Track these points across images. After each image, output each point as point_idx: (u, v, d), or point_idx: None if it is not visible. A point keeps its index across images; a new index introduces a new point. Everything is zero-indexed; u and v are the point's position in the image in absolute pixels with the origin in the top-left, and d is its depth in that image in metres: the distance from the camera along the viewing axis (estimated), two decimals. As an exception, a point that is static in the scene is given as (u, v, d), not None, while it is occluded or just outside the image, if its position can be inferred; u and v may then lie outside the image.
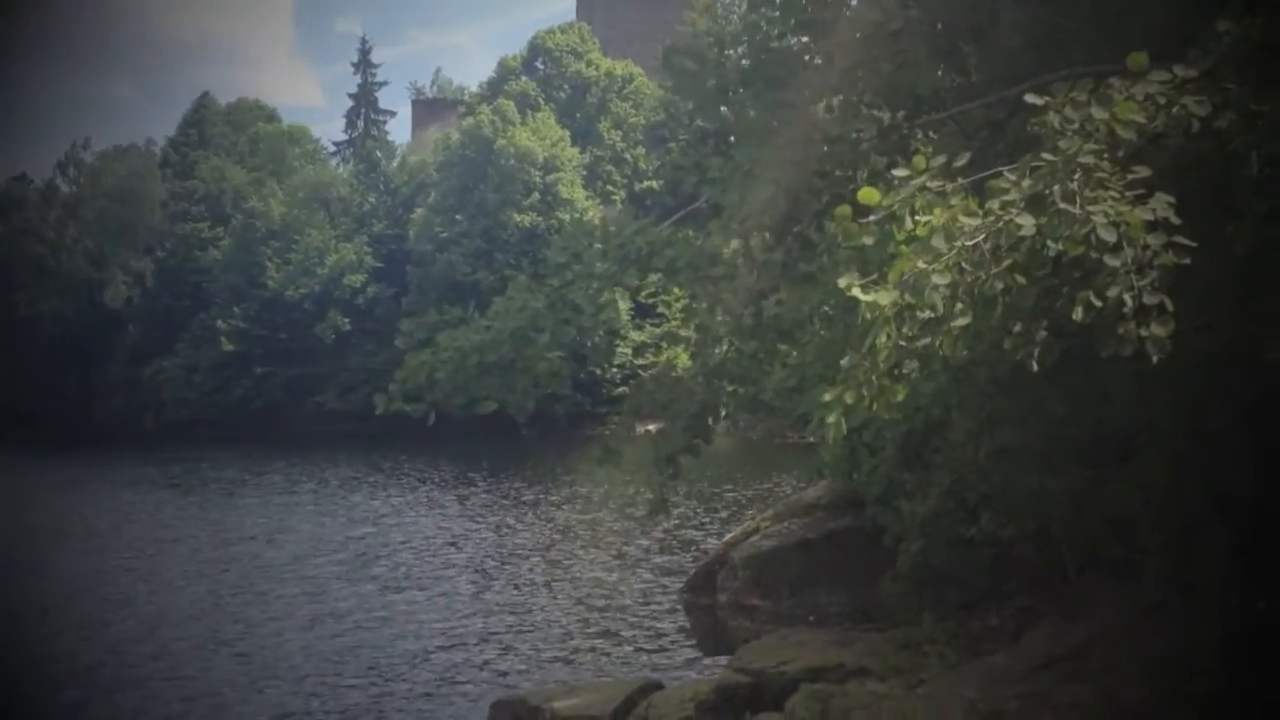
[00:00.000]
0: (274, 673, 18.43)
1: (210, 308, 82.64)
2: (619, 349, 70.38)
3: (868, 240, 5.68)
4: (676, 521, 34.13)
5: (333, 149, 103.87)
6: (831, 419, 5.66)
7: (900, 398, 5.92)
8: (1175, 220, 5.57)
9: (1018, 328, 6.06)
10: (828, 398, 5.58)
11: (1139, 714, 11.65)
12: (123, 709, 16.88)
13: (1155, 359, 5.56)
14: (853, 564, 18.58)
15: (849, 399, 5.66)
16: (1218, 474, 10.91)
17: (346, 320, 79.98)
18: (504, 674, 18.56)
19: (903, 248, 5.61)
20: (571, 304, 10.46)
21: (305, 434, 71.33)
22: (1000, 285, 5.64)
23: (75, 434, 71.93)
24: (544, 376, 10.53)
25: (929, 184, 5.81)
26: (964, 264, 5.60)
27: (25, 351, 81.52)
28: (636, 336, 70.59)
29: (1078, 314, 5.63)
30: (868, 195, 5.65)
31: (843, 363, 5.69)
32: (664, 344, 69.51)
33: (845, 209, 5.79)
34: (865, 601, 18.37)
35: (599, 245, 10.69)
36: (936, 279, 5.53)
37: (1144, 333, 5.47)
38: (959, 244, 5.56)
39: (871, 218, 5.69)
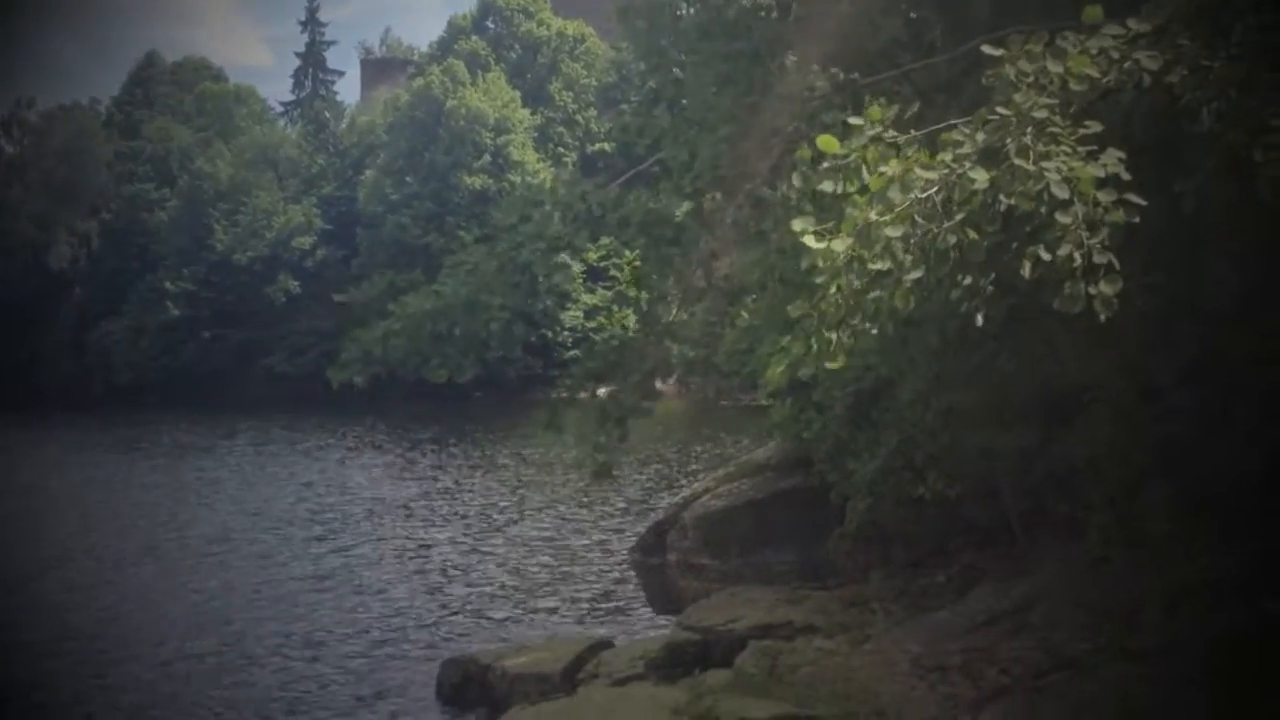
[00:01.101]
0: (219, 636, 18.37)
1: (157, 270, 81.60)
2: (570, 312, 70.25)
3: (826, 187, 5.71)
4: (627, 483, 34.24)
5: (280, 109, 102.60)
6: (780, 369, 5.70)
7: (849, 350, 5.95)
8: (1126, 177, 5.62)
9: (967, 281, 6.11)
10: (778, 346, 5.62)
11: (1081, 667, 11.84)
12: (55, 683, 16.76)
13: (1103, 317, 5.63)
14: (801, 523, 18.69)
15: (797, 349, 5.70)
16: (1161, 429, 11.08)
17: (296, 283, 79.32)
18: (454, 634, 18.60)
19: (857, 198, 5.65)
20: (522, 266, 10.43)
21: (255, 397, 70.82)
22: (952, 239, 5.68)
23: (20, 398, 70.95)
24: (495, 340, 10.52)
25: (883, 136, 5.85)
26: (917, 216, 5.64)
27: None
28: (588, 300, 70.41)
29: (1026, 270, 5.68)
30: (827, 143, 5.67)
31: (791, 310, 5.72)
32: (615, 307, 69.40)
33: (805, 152, 5.83)
34: (814, 560, 18.51)
35: (549, 206, 10.67)
36: (889, 231, 5.57)
37: (1092, 291, 5.53)
38: (912, 196, 5.60)
39: (826, 165, 5.71)
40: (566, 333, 69.44)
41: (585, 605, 20.53)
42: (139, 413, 62.51)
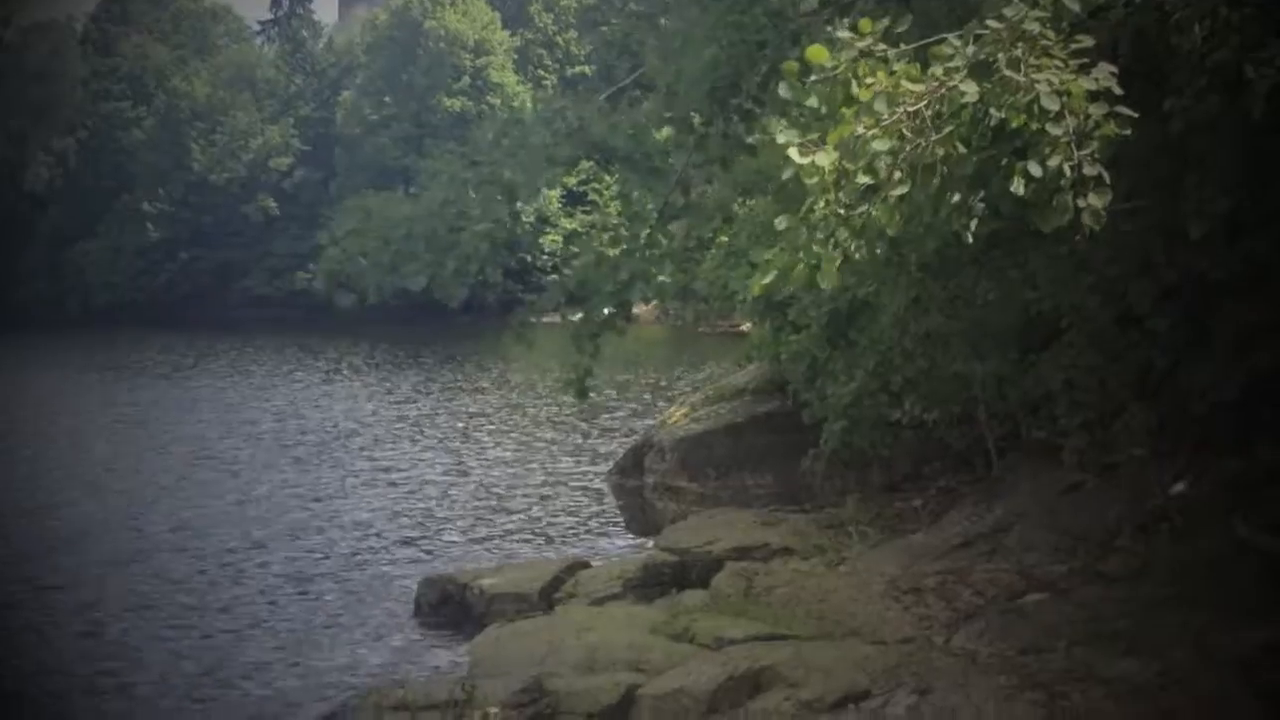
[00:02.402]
0: (196, 554, 18.39)
1: (134, 190, 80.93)
2: (549, 236, 70.04)
3: (813, 102, 5.64)
4: (605, 407, 34.31)
5: (257, 29, 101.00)
6: (767, 279, 5.66)
7: (836, 267, 5.92)
8: (1118, 91, 5.58)
9: (955, 198, 6.07)
10: (765, 258, 5.58)
11: (1055, 589, 11.98)
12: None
13: (1089, 231, 5.60)
14: (779, 447, 18.80)
15: (784, 261, 5.66)
16: (1139, 355, 11.14)
17: (274, 204, 78.78)
18: (431, 554, 18.66)
19: (844, 111, 5.58)
20: (502, 179, 10.33)
21: (233, 319, 70.60)
22: (940, 153, 5.63)
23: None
24: (473, 253, 10.42)
25: (873, 49, 5.77)
26: (905, 130, 5.58)
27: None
28: (567, 224, 70.15)
29: (1016, 185, 5.64)
30: (817, 53, 5.59)
31: (777, 223, 5.67)
32: (594, 230, 69.17)
33: (792, 65, 5.75)
34: (790, 484, 18.64)
35: (531, 121, 10.55)
36: (877, 145, 5.51)
37: (1081, 204, 5.50)
38: (901, 109, 5.54)
39: (814, 78, 5.64)
40: (546, 257, 69.27)
41: (563, 527, 20.61)
42: (116, 333, 62.16)
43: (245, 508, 21.72)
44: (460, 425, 32.11)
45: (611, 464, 23.87)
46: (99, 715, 12.22)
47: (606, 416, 32.91)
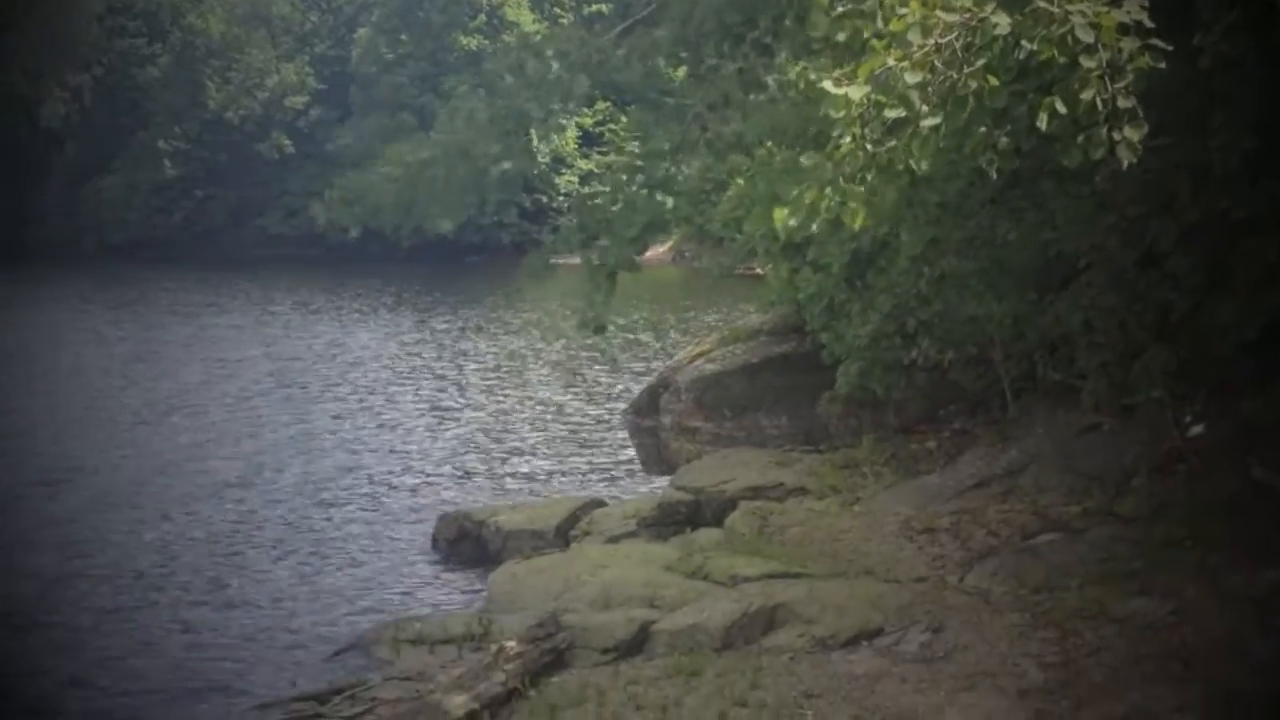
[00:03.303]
0: (216, 494, 18.51)
1: (149, 127, 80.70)
2: (565, 177, 69.80)
3: (842, 35, 5.58)
4: (621, 347, 34.32)
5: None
6: (792, 219, 5.62)
7: (865, 206, 5.87)
8: (1149, 24, 5.51)
9: (981, 130, 6.02)
10: (792, 194, 5.53)
11: (1069, 529, 12.00)
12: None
13: (1123, 164, 5.54)
14: (794, 388, 18.74)
15: (810, 198, 5.62)
16: (1159, 296, 11.08)
17: (289, 142, 78.52)
18: (448, 491, 18.77)
19: (874, 44, 5.52)
20: (519, 113, 10.24)
21: (248, 257, 70.57)
22: (972, 85, 5.57)
23: (12, 253, 70.64)
24: (492, 187, 10.37)
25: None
26: (936, 62, 5.52)
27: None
28: (583, 165, 69.86)
29: (1043, 121, 5.59)
30: (846, -14, 5.53)
31: (803, 160, 5.63)
32: (610, 170, 68.84)
33: (821, -1, 5.68)
34: (806, 425, 18.60)
35: (548, 53, 10.44)
36: (908, 77, 5.45)
37: (1116, 136, 5.44)
38: (932, 41, 5.48)
39: (844, 9, 5.58)
40: (562, 198, 68.97)
41: (578, 465, 20.69)
42: (132, 270, 62.23)
43: (260, 446, 21.83)
44: (476, 365, 32.18)
45: (627, 404, 23.90)
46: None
47: (622, 356, 32.94)
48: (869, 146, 5.41)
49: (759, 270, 29.72)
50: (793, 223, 5.81)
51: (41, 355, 33.32)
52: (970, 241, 13.26)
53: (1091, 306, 12.05)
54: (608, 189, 10.96)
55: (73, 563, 15.02)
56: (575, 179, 69.81)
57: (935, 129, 5.46)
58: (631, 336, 36.44)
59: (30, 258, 69.45)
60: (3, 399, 26.25)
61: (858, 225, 5.63)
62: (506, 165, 10.06)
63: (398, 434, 23.10)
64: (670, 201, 10.48)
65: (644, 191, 10.40)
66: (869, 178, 5.48)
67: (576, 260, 11.58)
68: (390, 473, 19.95)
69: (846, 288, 16.54)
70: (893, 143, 5.54)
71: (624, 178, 10.63)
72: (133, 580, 14.32)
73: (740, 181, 19.28)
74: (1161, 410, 12.10)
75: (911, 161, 5.44)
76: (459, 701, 9.25)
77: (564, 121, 11.10)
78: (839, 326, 16.71)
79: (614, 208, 10.58)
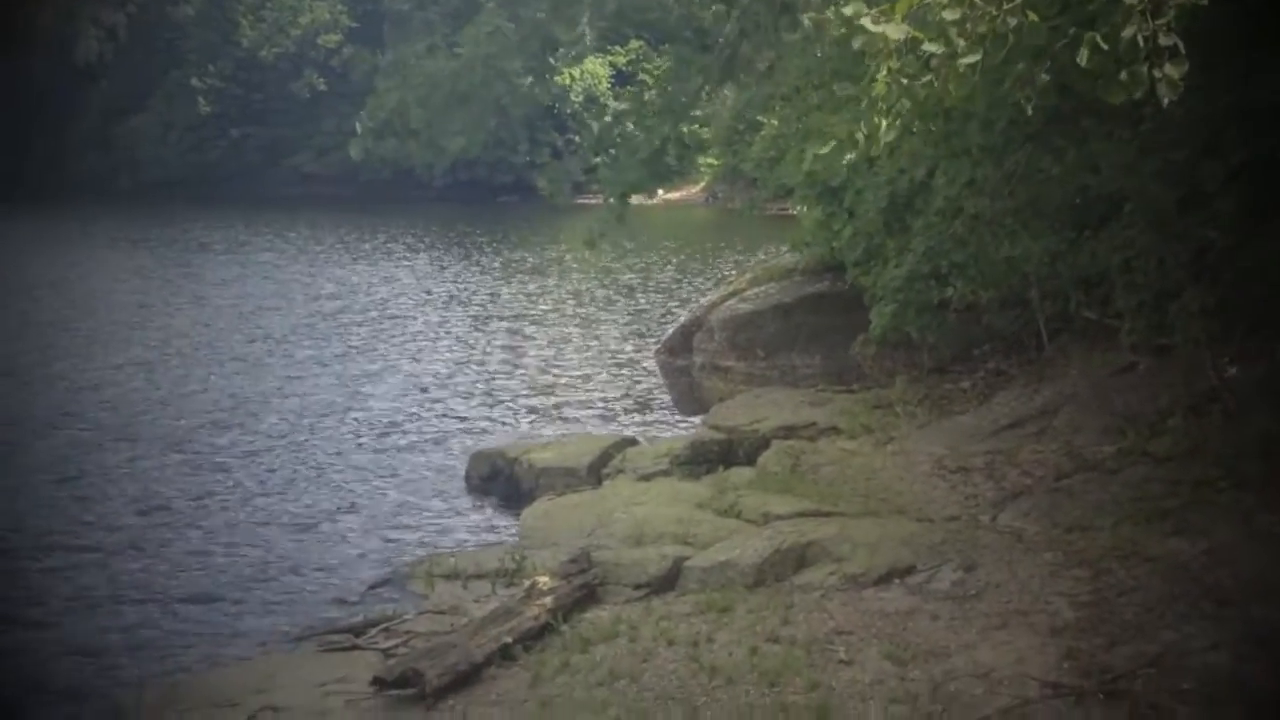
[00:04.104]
0: (253, 430, 18.64)
1: (183, 65, 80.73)
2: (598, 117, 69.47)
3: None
4: (654, 287, 34.30)
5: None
6: (824, 149, 5.58)
7: (893, 139, 5.81)
8: (1193, -41, 5.39)
9: (1020, 67, 5.93)
10: (826, 124, 5.48)
11: (1103, 469, 11.96)
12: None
13: (1165, 102, 5.45)
14: (828, 328, 18.77)
15: (842, 133, 5.57)
16: (1199, 235, 10.96)
17: (322, 81, 78.41)
18: (482, 430, 18.84)
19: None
20: (545, 33, 10.15)
21: (282, 196, 70.71)
22: (1012, 21, 5.48)
23: (49, 189, 71.06)
24: (516, 108, 10.29)
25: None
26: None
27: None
28: (615, 106, 69.43)
29: (1083, 57, 5.49)
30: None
31: (838, 90, 5.57)
32: (642, 101, 68.46)
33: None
34: (839, 364, 18.62)
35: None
36: (946, 14, 5.37)
37: (1157, 74, 5.34)
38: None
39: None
40: (595, 138, 68.69)
41: (611, 404, 20.74)
42: (168, 208, 62.43)
43: (295, 383, 21.95)
44: (509, 304, 32.21)
45: (659, 343, 23.92)
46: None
47: (655, 296, 32.91)
48: (904, 81, 5.34)
49: (792, 211, 29.66)
50: (824, 150, 5.76)
51: (87, 294, 33.53)
52: (1007, 180, 13.15)
53: (1129, 245, 11.94)
54: (635, 111, 10.92)
55: (108, 490, 15.18)
56: (608, 119, 69.40)
57: (973, 66, 5.38)
58: (664, 276, 36.40)
59: (66, 195, 69.77)
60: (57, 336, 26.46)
61: (879, 151, 5.56)
62: (529, 81, 9.99)
63: (431, 372, 23.17)
64: (689, 132, 10.42)
65: (669, 113, 10.34)
66: (903, 111, 5.41)
67: (603, 202, 11.56)
68: (424, 410, 20.04)
69: (884, 232, 16.45)
70: (929, 78, 5.47)
71: (647, 96, 10.57)
72: (162, 511, 14.46)
73: (774, 123, 19.20)
74: (1198, 350, 12.01)
75: (950, 92, 5.36)
76: (492, 634, 9.33)
77: (590, 43, 11.00)
78: (875, 270, 16.64)
79: (632, 126, 10.53)
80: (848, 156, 5.81)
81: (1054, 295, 14.76)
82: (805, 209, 20.57)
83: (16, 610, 11.52)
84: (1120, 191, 11.87)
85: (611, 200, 10.56)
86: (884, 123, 5.55)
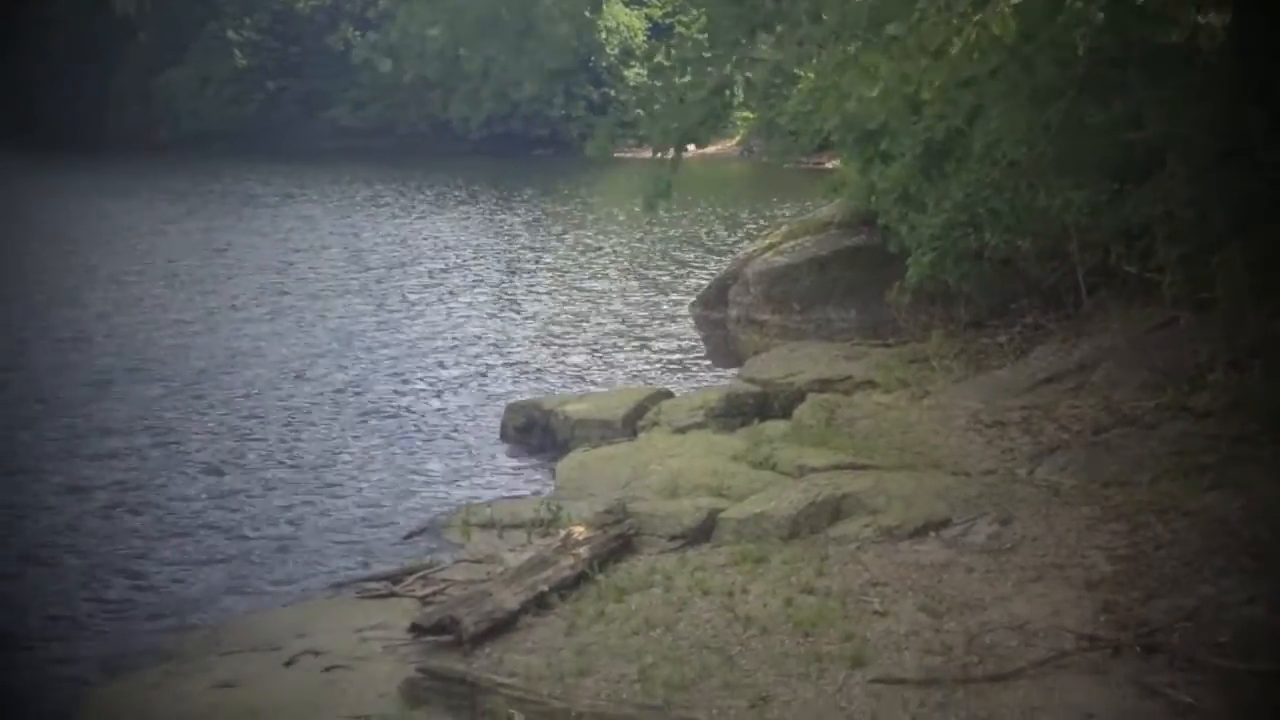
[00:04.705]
0: (293, 382, 18.75)
1: (220, 17, 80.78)
2: (633, 70, 69.12)
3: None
4: (689, 240, 34.22)
5: None
6: (874, 91, 5.52)
7: (939, 82, 5.76)
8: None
9: (1078, 4, 5.85)
10: (870, 66, 5.43)
11: (1141, 424, 11.88)
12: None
13: (1202, 51, 5.38)
14: (864, 282, 18.64)
15: (888, 71, 5.51)
16: (1243, 186, 10.82)
17: (358, 33, 78.23)
18: (517, 382, 18.90)
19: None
20: None
21: (319, 149, 70.79)
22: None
23: (90, 142, 71.39)
24: (552, 45, 10.16)
25: None
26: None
27: (36, 58, 79.76)
28: (653, 60, 69.04)
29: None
30: None
31: (888, 30, 5.51)
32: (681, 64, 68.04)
33: None
34: (874, 319, 18.51)
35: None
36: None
37: (1201, 20, 5.28)
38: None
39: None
40: (630, 90, 68.41)
41: (646, 357, 20.75)
42: (208, 161, 62.59)
43: (336, 337, 22.05)
44: (545, 258, 32.21)
45: (694, 297, 23.88)
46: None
47: (690, 249, 32.84)
48: (954, 21, 5.28)
49: (828, 165, 29.48)
50: (873, 94, 5.71)
51: (133, 245, 33.72)
52: (1045, 130, 13.01)
53: (1172, 197, 11.81)
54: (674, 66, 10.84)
55: (156, 442, 15.33)
56: (644, 71, 69.07)
57: (1024, 3, 5.32)
58: (699, 230, 36.29)
59: (106, 147, 70.05)
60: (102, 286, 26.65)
61: (933, 89, 5.51)
62: (564, 29, 9.91)
63: (468, 324, 23.24)
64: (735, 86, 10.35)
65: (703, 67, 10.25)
66: (952, 50, 5.36)
67: (644, 154, 11.49)
68: (460, 362, 20.11)
69: (921, 178, 16.29)
70: (979, 17, 5.41)
71: (691, 44, 10.48)
72: (200, 465, 14.59)
73: (811, 75, 19.02)
74: (1240, 304, 11.89)
75: (997, 34, 5.30)
76: (528, 583, 9.39)
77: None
78: (912, 217, 16.50)
79: (679, 79, 10.47)
80: (891, 100, 5.76)
81: (1094, 248, 14.60)
82: (842, 159, 20.47)
83: (62, 552, 11.68)
84: (1164, 142, 11.73)
85: (660, 156, 10.48)
86: (933, 64, 5.49)
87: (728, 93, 9.88)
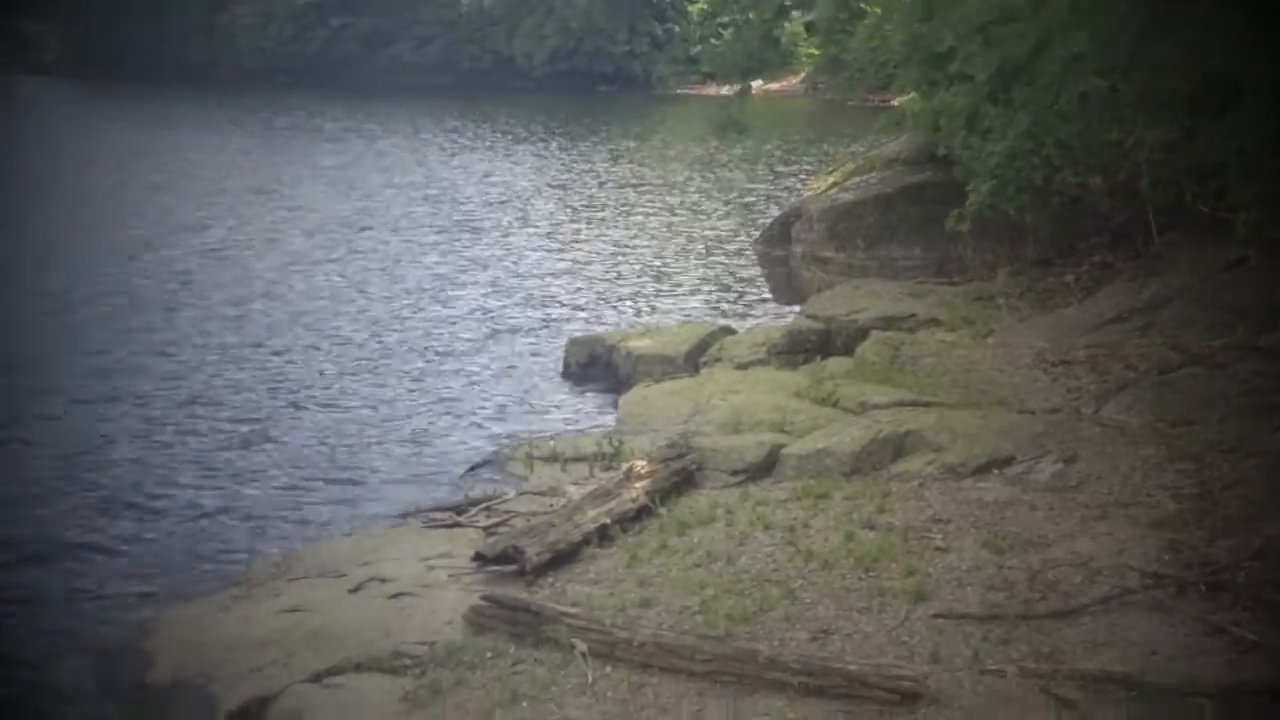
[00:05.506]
0: (350, 318, 18.88)
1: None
2: (697, 5, 68.60)
3: None
4: (752, 177, 34.05)
5: None
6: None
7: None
8: None
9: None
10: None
11: (1210, 363, 11.74)
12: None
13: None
14: (929, 219, 18.42)
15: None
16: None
17: (422, -32, 78.07)
18: (580, 317, 18.96)
19: None
20: None
21: (382, 86, 70.81)
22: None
23: (154, 76, 71.87)
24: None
25: None
26: None
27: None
28: (716, -7, 68.42)
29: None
30: None
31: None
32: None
33: None
34: (940, 257, 18.34)
35: None
36: None
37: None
38: None
39: None
40: (694, 26, 67.95)
41: (709, 293, 20.74)
42: (275, 97, 62.77)
43: (400, 268, 22.20)
44: (609, 194, 32.17)
45: (758, 233, 23.78)
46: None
47: (755, 186, 32.67)
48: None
49: (893, 101, 29.13)
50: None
51: (212, 179, 33.98)
52: (1114, 68, 12.80)
53: (1247, 133, 11.57)
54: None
55: (215, 377, 15.54)
56: (706, 5, 68.50)
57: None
58: (762, 166, 36.07)
59: (170, 81, 70.46)
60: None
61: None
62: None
63: (531, 259, 23.31)
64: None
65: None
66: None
67: (708, 90, 11.41)
68: (522, 298, 20.19)
69: (989, 102, 15.98)
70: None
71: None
72: (279, 395, 14.78)
73: (877, 10, 18.77)
74: (1314, 243, 11.70)
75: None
76: (591, 515, 9.47)
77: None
78: (976, 143, 16.22)
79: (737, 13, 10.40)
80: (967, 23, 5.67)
81: (1165, 186, 14.34)
82: (908, 87, 20.18)
83: (148, 486, 11.90)
84: (1239, 77, 11.48)
85: (728, 90, 10.45)
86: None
87: (786, 24, 9.79)
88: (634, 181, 34.47)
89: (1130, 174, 14.48)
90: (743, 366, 14.63)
